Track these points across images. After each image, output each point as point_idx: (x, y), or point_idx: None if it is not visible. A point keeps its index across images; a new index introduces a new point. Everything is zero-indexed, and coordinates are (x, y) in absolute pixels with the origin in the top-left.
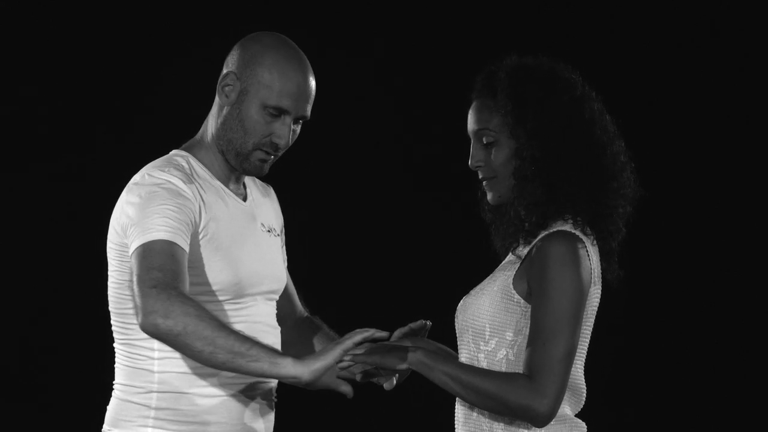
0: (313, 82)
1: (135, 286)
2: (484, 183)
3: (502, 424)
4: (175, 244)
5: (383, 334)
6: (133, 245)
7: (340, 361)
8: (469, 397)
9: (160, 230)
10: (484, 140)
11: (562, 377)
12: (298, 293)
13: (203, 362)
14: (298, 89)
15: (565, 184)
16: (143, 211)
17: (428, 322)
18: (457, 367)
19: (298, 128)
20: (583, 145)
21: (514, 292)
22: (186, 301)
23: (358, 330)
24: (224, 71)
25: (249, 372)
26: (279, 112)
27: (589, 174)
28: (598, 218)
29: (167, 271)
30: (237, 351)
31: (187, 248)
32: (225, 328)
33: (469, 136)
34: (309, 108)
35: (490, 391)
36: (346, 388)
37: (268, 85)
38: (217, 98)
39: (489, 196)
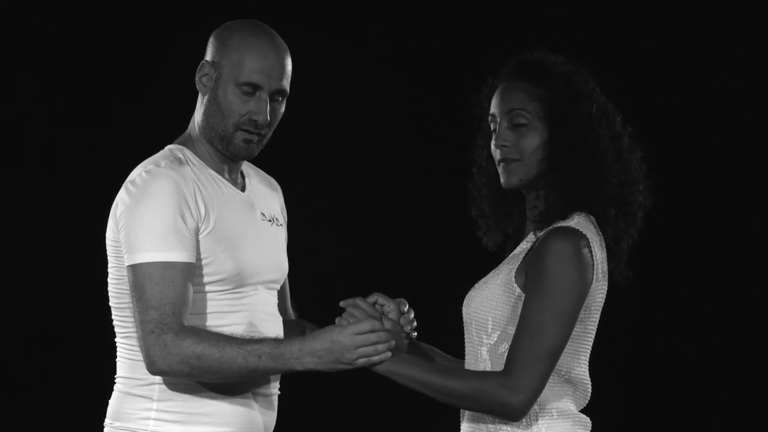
0: (285, 58)
1: (137, 327)
2: (502, 165)
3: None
4: (171, 263)
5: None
6: (127, 260)
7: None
8: (441, 398)
9: (153, 248)
10: (517, 121)
11: (541, 375)
12: (291, 297)
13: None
14: (268, 63)
15: (589, 180)
16: (135, 219)
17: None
18: (425, 372)
19: (280, 106)
20: (615, 148)
21: (515, 285)
22: (182, 344)
23: (360, 335)
24: (200, 63)
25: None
26: (253, 88)
27: (611, 173)
28: (610, 219)
29: (164, 306)
30: (246, 373)
31: (189, 257)
32: (226, 358)
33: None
34: (284, 83)
35: (463, 392)
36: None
37: (238, 63)
38: (199, 92)
39: (505, 179)
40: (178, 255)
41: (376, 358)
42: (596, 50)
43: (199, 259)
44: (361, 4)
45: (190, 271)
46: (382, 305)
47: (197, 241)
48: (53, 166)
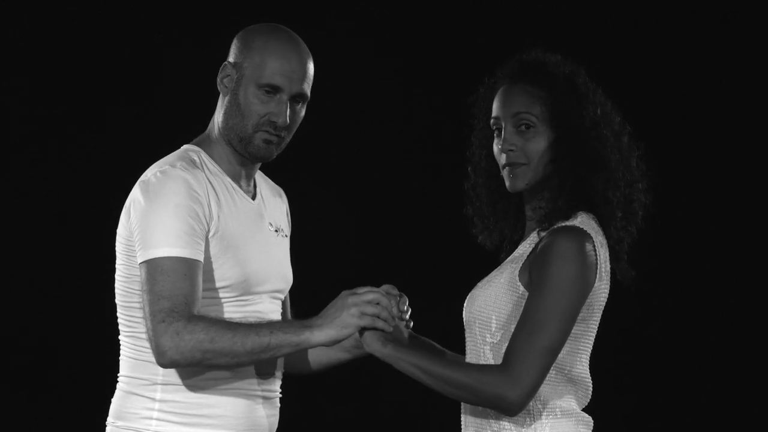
0: (307, 62)
1: (147, 319)
2: (507, 168)
3: (507, 418)
4: (184, 258)
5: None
6: (140, 256)
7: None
8: (440, 387)
9: (166, 244)
10: (523, 125)
11: (539, 370)
12: (291, 306)
13: (234, 368)
14: (290, 66)
15: (595, 182)
16: (149, 217)
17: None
18: (427, 360)
19: (300, 109)
20: (617, 148)
21: (519, 284)
22: (194, 329)
23: (369, 293)
24: (222, 64)
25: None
26: (273, 90)
27: (616, 174)
28: (614, 219)
29: (176, 297)
30: (258, 351)
31: (199, 256)
32: (239, 336)
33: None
34: (305, 86)
35: (462, 382)
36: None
37: (259, 65)
38: (220, 93)
39: (511, 183)
40: (190, 252)
41: (380, 324)
42: (590, 46)
43: (207, 263)
44: (366, 8)
45: (200, 270)
46: None
47: (207, 244)
48: (56, 163)
